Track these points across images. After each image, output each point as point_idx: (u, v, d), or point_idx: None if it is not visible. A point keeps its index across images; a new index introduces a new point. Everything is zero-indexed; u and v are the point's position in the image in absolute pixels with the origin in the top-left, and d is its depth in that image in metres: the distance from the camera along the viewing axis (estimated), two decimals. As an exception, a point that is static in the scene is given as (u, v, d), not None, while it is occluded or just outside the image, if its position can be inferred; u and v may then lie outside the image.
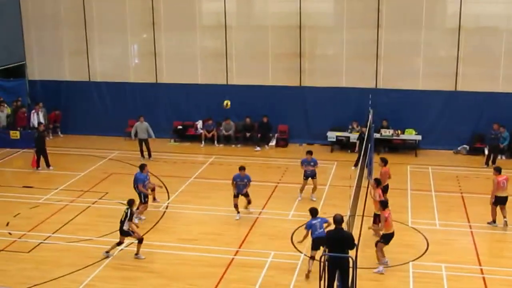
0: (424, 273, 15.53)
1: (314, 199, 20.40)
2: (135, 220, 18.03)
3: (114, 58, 29.77)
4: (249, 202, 19.30)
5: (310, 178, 20.63)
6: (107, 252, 16.48)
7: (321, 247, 14.62)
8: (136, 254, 16.39)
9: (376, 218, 17.09)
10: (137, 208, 18.14)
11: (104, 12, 28.97)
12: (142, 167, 19.12)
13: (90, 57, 29.46)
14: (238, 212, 19.03)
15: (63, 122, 29.69)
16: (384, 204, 15.95)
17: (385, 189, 19.05)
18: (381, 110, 25.88)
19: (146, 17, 28.38)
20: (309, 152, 20.93)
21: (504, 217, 18.47)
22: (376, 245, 15.85)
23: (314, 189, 20.64)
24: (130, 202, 16.55)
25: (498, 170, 18.40)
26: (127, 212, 16.28)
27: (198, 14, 28.43)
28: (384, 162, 19.39)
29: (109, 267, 15.89)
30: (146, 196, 18.95)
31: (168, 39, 28.64)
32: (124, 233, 16.32)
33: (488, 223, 18.49)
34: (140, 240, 16.38)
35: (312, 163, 20.65)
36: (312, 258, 15.23)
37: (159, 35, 28.54)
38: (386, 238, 15.73)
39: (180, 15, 28.36)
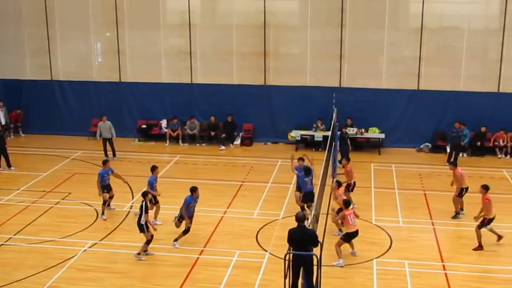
0: (387, 270, 15.68)
1: None
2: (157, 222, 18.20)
3: (77, 57, 29.43)
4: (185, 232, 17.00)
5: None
6: (138, 253, 16.11)
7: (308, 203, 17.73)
8: (138, 253, 16.14)
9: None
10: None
11: (67, 10, 28.62)
12: (153, 168, 18.66)
13: (52, 56, 29.07)
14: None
15: (25, 122, 29.32)
16: (346, 204, 16.18)
17: (349, 187, 19.30)
18: (345, 109, 26.15)
19: (109, 15, 28.11)
20: (301, 159, 19.29)
21: (462, 209, 18.90)
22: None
23: None
24: (144, 194, 16.33)
25: (455, 164, 19.22)
26: (142, 204, 15.99)
27: (162, 12, 28.29)
28: (347, 160, 19.66)
29: (72, 269, 15.70)
30: (155, 197, 18.42)
31: (132, 38, 28.43)
32: (140, 228, 15.98)
33: (453, 217, 18.77)
34: (148, 241, 16.07)
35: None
36: (302, 208, 17.97)
37: (123, 33, 28.31)
38: (346, 236, 15.91)
39: (144, 13, 28.22)
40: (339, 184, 17.74)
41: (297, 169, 19.02)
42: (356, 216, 16.44)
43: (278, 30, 27.46)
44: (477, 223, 16.87)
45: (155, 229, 16.43)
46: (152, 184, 18.40)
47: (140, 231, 16.12)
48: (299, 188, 18.82)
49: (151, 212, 17.39)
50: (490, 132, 26.17)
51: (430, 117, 26.87)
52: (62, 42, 28.98)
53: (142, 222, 15.96)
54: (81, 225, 18.31)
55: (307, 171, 18.17)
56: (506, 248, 16.86)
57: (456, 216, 18.89)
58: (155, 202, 18.44)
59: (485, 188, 17.01)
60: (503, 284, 14.88)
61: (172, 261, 16.11)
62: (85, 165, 24.53)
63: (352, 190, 19.34)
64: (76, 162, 25.04)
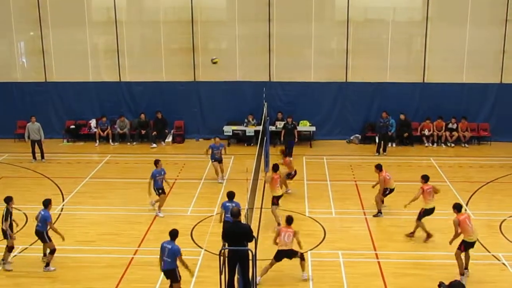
0: (322, 261, 15.85)
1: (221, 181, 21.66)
2: (160, 214, 18.72)
3: (-1, 57, 28.58)
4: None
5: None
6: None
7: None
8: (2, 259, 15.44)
9: (274, 200, 17.83)
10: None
11: (-14, 9, 27.70)
12: (156, 162, 19.20)
13: (-28, 57, 28.13)
14: None
15: None
16: (287, 220, 14.88)
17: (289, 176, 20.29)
18: (275, 103, 26.33)
19: (32, 13, 27.33)
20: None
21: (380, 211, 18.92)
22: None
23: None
24: (7, 200, 15.44)
25: (380, 168, 18.44)
26: (4, 210, 15.25)
27: (87, 9, 27.66)
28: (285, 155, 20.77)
29: (1, 275, 15.22)
30: (160, 188, 18.81)
31: (56, 36, 27.71)
32: (3, 234, 15.32)
33: (374, 215, 18.80)
34: (9, 248, 15.35)
35: (221, 148, 21.81)
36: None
37: (47, 32, 27.58)
38: (276, 255, 14.66)
39: (68, 10, 27.53)
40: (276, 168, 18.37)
41: (213, 146, 21.57)
42: (298, 242, 14.78)
43: (206, 26, 27.35)
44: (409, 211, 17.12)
45: (13, 238, 15.49)
46: (155, 177, 18.68)
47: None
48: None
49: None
50: (417, 122, 26.86)
51: (359, 109, 27.37)
52: (-17, 43, 28.08)
53: (5, 228, 15.21)
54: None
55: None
56: (435, 234, 17.26)
57: (377, 215, 18.79)
58: (160, 193, 18.81)
59: (425, 178, 16.96)
60: (433, 270, 15.25)
61: (105, 262, 15.83)
62: (12, 169, 23.83)
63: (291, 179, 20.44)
64: (2, 166, 24.26)
